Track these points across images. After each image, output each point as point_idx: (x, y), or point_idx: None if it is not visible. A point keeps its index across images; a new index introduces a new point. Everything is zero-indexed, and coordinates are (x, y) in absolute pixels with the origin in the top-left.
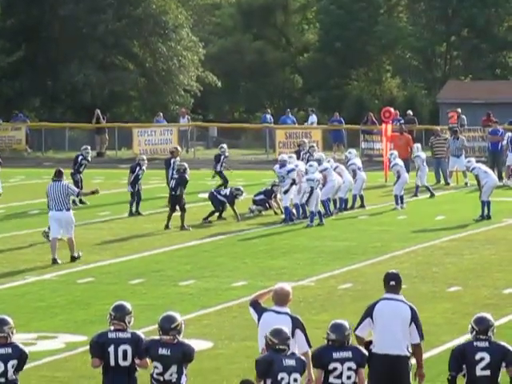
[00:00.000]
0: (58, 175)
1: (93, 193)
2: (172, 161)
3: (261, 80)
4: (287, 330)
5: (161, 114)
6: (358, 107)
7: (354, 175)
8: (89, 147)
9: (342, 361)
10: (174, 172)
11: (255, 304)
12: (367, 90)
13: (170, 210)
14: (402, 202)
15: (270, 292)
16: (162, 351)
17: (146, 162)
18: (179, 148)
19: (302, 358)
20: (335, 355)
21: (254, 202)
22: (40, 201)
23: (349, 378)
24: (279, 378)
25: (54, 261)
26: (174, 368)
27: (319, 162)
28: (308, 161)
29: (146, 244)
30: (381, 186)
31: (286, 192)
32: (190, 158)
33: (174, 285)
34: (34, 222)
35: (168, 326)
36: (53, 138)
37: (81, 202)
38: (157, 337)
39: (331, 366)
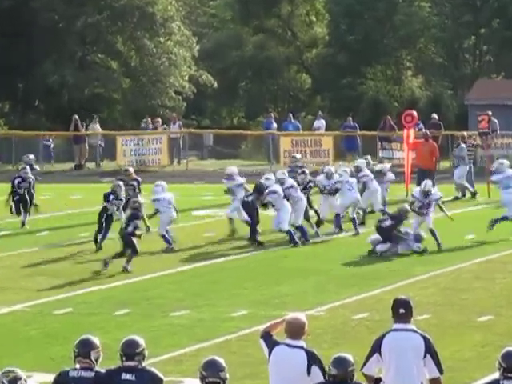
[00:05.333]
0: None
1: None
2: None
3: (263, 80)
4: (300, 366)
5: (148, 119)
6: (375, 110)
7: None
8: (28, 164)
9: None
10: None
11: (266, 336)
12: (385, 90)
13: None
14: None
15: (284, 323)
16: (126, 376)
17: (122, 188)
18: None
19: None
20: None
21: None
22: (7, 221)
23: None
24: None
25: None
26: None
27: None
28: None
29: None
30: (402, 201)
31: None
32: (182, 170)
33: (164, 315)
34: (3, 244)
35: (133, 350)
36: (24, 148)
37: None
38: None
39: None
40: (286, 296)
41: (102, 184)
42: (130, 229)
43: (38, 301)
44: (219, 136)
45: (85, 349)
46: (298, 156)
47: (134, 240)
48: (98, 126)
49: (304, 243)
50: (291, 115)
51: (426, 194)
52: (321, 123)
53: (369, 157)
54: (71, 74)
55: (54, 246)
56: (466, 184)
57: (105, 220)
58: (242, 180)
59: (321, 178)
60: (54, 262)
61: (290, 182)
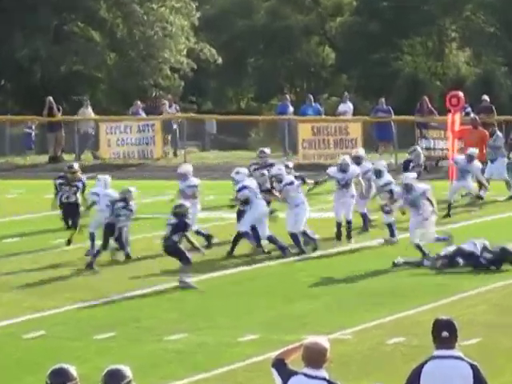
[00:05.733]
0: None
1: None
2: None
3: (277, 54)
4: None
5: (138, 102)
6: (413, 91)
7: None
8: None
9: None
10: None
11: (280, 364)
12: (425, 66)
13: None
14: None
15: (301, 348)
16: None
17: (133, 195)
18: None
19: None
20: None
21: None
22: None
23: None
24: None
25: None
26: None
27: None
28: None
29: (116, 284)
30: (444, 201)
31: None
32: (180, 163)
33: (157, 340)
34: None
35: (117, 382)
36: None
37: None
38: None
39: None
40: (303, 316)
41: None
42: (174, 238)
43: (4, 322)
44: (224, 122)
45: (59, 379)
46: (267, 150)
47: (181, 247)
48: (90, 110)
49: (315, 249)
50: (311, 97)
51: (406, 188)
52: (347, 107)
53: (418, 148)
54: (44, 47)
55: (24, 255)
56: (482, 178)
57: (107, 233)
58: (195, 181)
59: (333, 170)
60: (25, 275)
61: (290, 178)
